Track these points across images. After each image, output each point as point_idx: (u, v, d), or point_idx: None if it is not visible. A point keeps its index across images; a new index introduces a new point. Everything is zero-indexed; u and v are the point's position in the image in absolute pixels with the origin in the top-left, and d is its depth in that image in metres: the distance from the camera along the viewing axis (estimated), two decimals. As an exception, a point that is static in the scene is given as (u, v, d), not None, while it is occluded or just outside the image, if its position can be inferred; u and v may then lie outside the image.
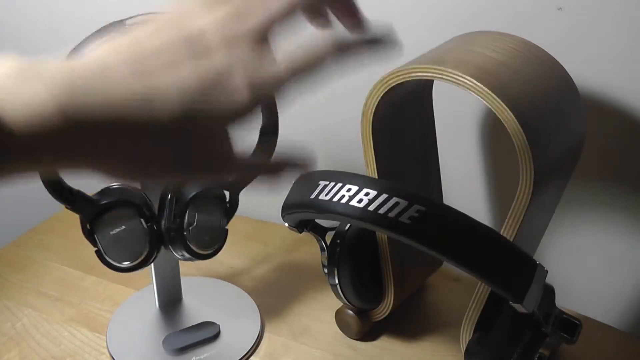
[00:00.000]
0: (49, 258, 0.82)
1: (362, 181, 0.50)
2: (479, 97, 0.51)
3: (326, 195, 0.51)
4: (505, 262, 0.48)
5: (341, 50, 0.36)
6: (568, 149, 0.59)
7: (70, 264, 0.81)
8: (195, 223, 0.63)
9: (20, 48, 1.03)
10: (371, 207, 0.48)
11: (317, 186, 0.52)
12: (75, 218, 0.60)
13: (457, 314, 0.63)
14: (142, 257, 0.61)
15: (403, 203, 0.47)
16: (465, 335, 0.60)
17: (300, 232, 0.64)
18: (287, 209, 0.58)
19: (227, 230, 0.65)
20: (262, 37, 0.34)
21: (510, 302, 0.48)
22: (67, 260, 0.82)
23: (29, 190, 0.93)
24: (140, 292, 0.76)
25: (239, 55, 0.33)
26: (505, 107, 0.50)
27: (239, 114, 0.33)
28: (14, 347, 0.68)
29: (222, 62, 0.33)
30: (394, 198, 0.47)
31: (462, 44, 0.59)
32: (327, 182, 0.51)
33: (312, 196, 0.52)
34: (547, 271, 0.49)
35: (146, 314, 0.72)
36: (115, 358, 0.67)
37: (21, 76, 0.30)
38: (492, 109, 0.51)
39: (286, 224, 0.62)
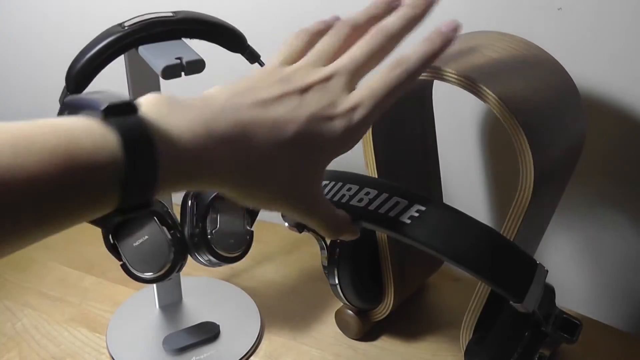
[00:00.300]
0: (49, 258, 0.82)
1: (362, 181, 0.50)
2: (479, 98, 0.51)
3: (326, 194, 0.51)
4: (505, 262, 0.48)
5: (413, 74, 0.44)
6: (568, 149, 0.58)
7: (70, 264, 0.81)
8: (218, 226, 0.62)
9: (21, 51, 1.03)
10: (371, 207, 0.48)
11: None
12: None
13: (457, 314, 0.63)
14: (168, 266, 0.60)
15: (403, 202, 0.47)
16: (465, 335, 0.60)
17: (300, 232, 0.63)
18: None
19: (252, 231, 0.64)
20: (350, 85, 0.43)
21: (511, 302, 0.48)
22: (68, 260, 0.82)
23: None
24: (140, 292, 0.76)
25: (331, 97, 0.42)
26: (505, 107, 0.50)
27: (338, 140, 0.42)
28: (14, 347, 0.68)
29: (321, 101, 0.42)
30: (395, 197, 0.47)
31: (462, 44, 0.59)
32: (328, 182, 0.51)
33: None
34: (547, 271, 0.49)
35: (146, 314, 0.72)
36: (115, 358, 0.67)
37: (174, 107, 0.37)
38: (492, 109, 0.51)
39: (286, 224, 0.62)
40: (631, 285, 0.74)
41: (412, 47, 0.45)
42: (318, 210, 0.45)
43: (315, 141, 0.41)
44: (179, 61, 0.52)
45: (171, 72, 0.52)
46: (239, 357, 0.67)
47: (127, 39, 0.54)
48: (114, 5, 0.87)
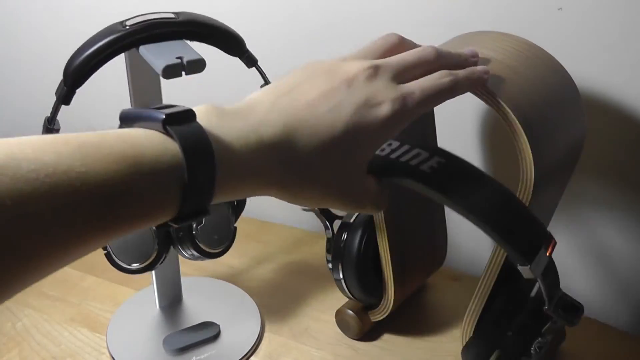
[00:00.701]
0: (49, 258, 0.82)
1: None
2: (479, 97, 0.51)
3: None
4: (518, 223, 0.48)
5: (458, 88, 0.47)
6: (568, 149, 0.59)
7: (70, 264, 0.81)
8: (203, 222, 0.62)
9: (21, 45, 1.03)
10: (393, 156, 0.48)
11: None
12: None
13: (457, 314, 0.63)
14: (152, 258, 0.61)
15: (424, 154, 0.47)
16: (466, 335, 0.60)
17: (312, 208, 0.64)
18: None
19: (235, 228, 0.65)
20: (397, 80, 0.44)
21: (518, 265, 0.48)
22: (67, 260, 0.82)
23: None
24: (141, 292, 0.76)
25: (378, 87, 0.43)
26: (506, 107, 0.50)
27: (386, 122, 0.42)
28: (15, 347, 0.68)
29: (368, 89, 0.42)
30: (416, 149, 0.47)
31: (462, 44, 0.59)
32: None
33: None
34: (556, 242, 0.49)
35: (146, 314, 0.72)
36: (115, 358, 0.67)
37: (223, 116, 0.38)
38: (493, 109, 0.51)
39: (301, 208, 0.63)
40: (631, 285, 0.75)
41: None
42: (367, 198, 0.45)
43: (362, 133, 0.42)
44: (179, 61, 0.52)
45: (172, 71, 0.52)
46: (239, 357, 0.67)
47: (128, 39, 0.54)
48: (116, 2, 0.87)
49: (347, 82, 0.42)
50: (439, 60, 0.47)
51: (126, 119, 0.38)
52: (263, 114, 0.40)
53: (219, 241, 0.64)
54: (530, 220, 0.48)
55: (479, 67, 0.49)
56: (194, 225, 0.62)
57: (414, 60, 0.46)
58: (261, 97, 0.41)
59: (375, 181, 0.46)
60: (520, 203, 0.49)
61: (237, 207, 0.66)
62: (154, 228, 0.60)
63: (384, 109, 0.42)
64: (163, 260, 0.63)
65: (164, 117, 0.35)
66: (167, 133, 0.35)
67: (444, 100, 0.46)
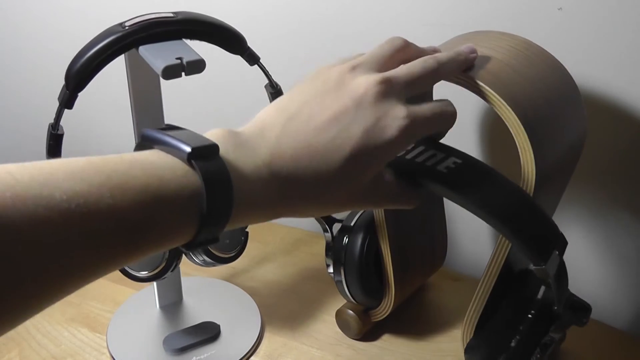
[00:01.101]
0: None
1: None
2: (480, 97, 0.51)
3: None
4: (533, 223, 0.48)
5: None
6: (569, 148, 0.58)
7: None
8: None
9: (20, 49, 1.03)
10: (409, 156, 0.48)
11: None
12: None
13: (457, 314, 0.63)
14: (163, 265, 0.61)
15: (440, 155, 0.48)
16: (466, 335, 0.60)
17: None
18: None
19: (247, 232, 0.65)
20: (406, 93, 0.44)
21: (532, 265, 0.48)
22: (67, 261, 0.82)
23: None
24: (141, 292, 0.76)
25: (387, 107, 0.43)
26: (507, 106, 0.50)
27: (393, 144, 0.43)
28: (15, 347, 0.68)
29: (376, 111, 0.42)
30: (432, 150, 0.48)
31: (462, 44, 0.59)
32: None
33: None
34: (567, 242, 0.49)
35: (146, 314, 0.72)
36: (115, 358, 0.67)
37: (239, 148, 0.39)
38: (494, 108, 0.51)
39: None
40: (631, 285, 0.74)
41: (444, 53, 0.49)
42: (384, 200, 0.46)
43: (372, 154, 0.42)
44: (179, 61, 0.52)
45: (171, 72, 0.52)
46: (239, 357, 0.67)
47: (128, 39, 0.54)
48: (115, 5, 0.87)
49: (356, 101, 0.42)
50: (443, 68, 0.48)
51: (149, 140, 0.39)
52: (274, 143, 0.40)
53: (231, 245, 0.64)
54: (545, 220, 0.49)
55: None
56: None
57: (419, 72, 0.46)
58: (271, 120, 0.42)
59: (395, 183, 0.47)
60: (535, 204, 0.49)
61: None
62: None
63: (393, 131, 0.42)
64: (174, 268, 0.62)
65: (190, 150, 0.36)
66: (190, 165, 0.37)
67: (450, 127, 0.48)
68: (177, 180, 0.36)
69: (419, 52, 0.49)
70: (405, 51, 0.48)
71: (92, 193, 0.33)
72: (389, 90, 0.43)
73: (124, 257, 0.35)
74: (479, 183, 0.47)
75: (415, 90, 0.45)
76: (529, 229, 0.47)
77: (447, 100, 0.47)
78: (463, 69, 0.51)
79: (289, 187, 0.41)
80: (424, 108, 0.45)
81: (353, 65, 0.45)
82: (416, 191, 0.48)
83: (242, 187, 0.38)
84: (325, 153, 0.41)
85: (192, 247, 0.38)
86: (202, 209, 0.36)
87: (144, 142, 0.39)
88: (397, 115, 0.43)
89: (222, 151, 0.38)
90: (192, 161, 0.36)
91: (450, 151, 0.48)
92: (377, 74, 0.44)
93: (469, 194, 0.47)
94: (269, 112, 0.43)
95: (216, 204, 0.37)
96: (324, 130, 0.41)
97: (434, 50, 0.51)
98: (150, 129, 0.39)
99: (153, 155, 0.37)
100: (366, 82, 0.43)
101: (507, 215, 0.47)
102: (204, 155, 0.37)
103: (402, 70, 0.45)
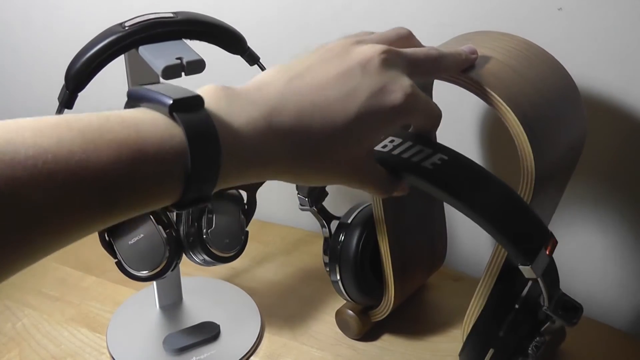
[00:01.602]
0: (50, 258, 0.81)
1: None
2: (480, 97, 0.51)
3: None
4: (520, 221, 0.48)
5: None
6: (569, 149, 0.58)
7: (70, 264, 0.81)
8: (214, 226, 0.62)
9: (20, 50, 1.03)
10: (395, 152, 0.48)
11: None
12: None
13: (457, 314, 0.63)
14: (163, 265, 0.61)
15: (427, 151, 0.47)
16: (465, 335, 0.60)
17: (310, 207, 0.64)
18: None
19: (247, 231, 0.65)
20: (409, 68, 0.44)
21: (519, 265, 0.48)
22: (68, 261, 0.82)
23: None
24: (141, 292, 0.76)
25: (393, 74, 0.43)
26: (507, 107, 0.50)
27: (397, 109, 0.42)
28: (15, 347, 0.68)
29: (382, 77, 0.42)
30: (419, 145, 0.47)
31: (462, 44, 0.59)
32: None
33: None
34: (557, 242, 0.49)
35: (146, 314, 0.72)
36: (115, 358, 0.67)
37: (233, 100, 0.38)
38: (494, 109, 0.51)
39: (298, 194, 0.63)
40: (631, 285, 0.75)
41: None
42: (371, 180, 0.45)
43: (374, 119, 0.41)
44: (179, 61, 0.52)
45: (171, 72, 0.52)
46: (239, 357, 0.67)
47: (128, 39, 0.54)
48: (115, 4, 0.87)
49: (362, 65, 0.42)
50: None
51: (133, 98, 0.37)
52: (275, 99, 0.39)
53: (230, 245, 0.64)
54: (532, 219, 0.48)
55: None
56: (205, 230, 0.61)
57: (422, 56, 0.46)
58: (273, 79, 0.40)
59: (386, 172, 0.46)
60: (522, 202, 0.49)
61: (248, 209, 0.65)
62: (164, 235, 0.60)
63: (399, 96, 0.42)
64: (174, 268, 0.62)
65: (172, 102, 0.34)
66: (173, 118, 0.35)
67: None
68: (158, 134, 0.34)
69: (421, 45, 0.49)
70: (409, 41, 0.48)
71: (61, 148, 0.31)
72: (396, 60, 0.43)
73: (103, 217, 0.33)
74: (465, 180, 0.47)
75: (417, 71, 0.45)
76: (514, 228, 0.47)
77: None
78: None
79: (290, 143, 0.39)
80: (422, 93, 0.45)
81: (358, 39, 0.44)
82: (403, 184, 0.48)
83: (233, 141, 0.36)
84: (330, 111, 0.40)
85: (181, 206, 0.36)
86: (187, 165, 0.34)
87: (130, 102, 0.37)
88: (403, 83, 0.42)
89: (213, 104, 0.36)
90: (174, 114, 0.34)
91: (438, 147, 0.47)
92: (382, 45, 0.44)
93: (453, 191, 0.47)
94: (269, 72, 0.41)
95: (202, 158, 0.34)
96: (330, 88, 0.40)
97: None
98: (137, 86, 0.38)
99: (136, 111, 0.35)
100: (372, 49, 0.43)
101: (491, 213, 0.47)
102: (187, 107, 0.35)
103: (407, 49, 0.45)
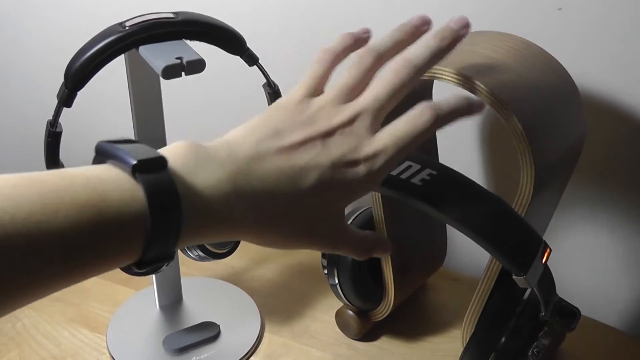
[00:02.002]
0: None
1: None
2: (480, 97, 0.51)
3: None
4: (512, 233, 0.48)
5: (441, 123, 0.43)
6: (568, 149, 0.59)
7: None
8: None
9: (20, 48, 1.03)
10: None
11: None
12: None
13: (457, 314, 0.63)
14: None
15: (415, 166, 0.47)
16: (466, 335, 0.60)
17: None
18: None
19: None
20: (374, 126, 0.43)
21: (513, 275, 0.48)
22: (67, 261, 0.82)
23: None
24: (141, 292, 0.76)
25: (355, 141, 0.42)
26: (506, 107, 0.50)
27: (358, 185, 0.42)
28: (15, 347, 0.68)
29: (344, 146, 0.42)
30: (407, 161, 0.47)
31: (462, 44, 0.59)
32: None
33: None
34: (551, 250, 0.49)
35: (146, 314, 0.72)
36: (115, 358, 0.67)
37: (200, 160, 0.38)
38: (493, 109, 0.51)
39: None
40: (631, 285, 0.75)
41: (421, 43, 0.45)
42: (342, 242, 0.45)
43: (338, 187, 0.41)
44: (179, 61, 0.52)
45: (171, 72, 0.52)
46: (239, 357, 0.67)
47: (128, 40, 0.54)
48: (115, 4, 0.87)
49: (325, 135, 0.42)
50: (418, 70, 0.45)
51: (101, 153, 0.37)
52: (243, 163, 0.39)
53: (225, 241, 0.64)
54: (525, 230, 0.48)
55: (467, 99, 0.45)
56: None
57: (388, 92, 0.44)
58: (241, 140, 0.41)
59: (358, 233, 0.46)
60: (513, 213, 0.49)
61: None
62: None
63: (359, 171, 0.41)
64: (169, 262, 0.62)
65: (135, 163, 0.34)
66: (135, 179, 0.35)
67: (425, 139, 0.44)
68: (120, 197, 0.34)
69: (381, 56, 0.45)
70: (378, 64, 0.45)
71: (20, 210, 0.31)
72: (357, 123, 0.42)
73: (64, 277, 0.33)
74: (455, 195, 0.47)
75: (390, 108, 0.44)
76: (506, 240, 0.47)
77: (423, 106, 0.44)
78: (445, 53, 0.46)
79: (252, 206, 0.39)
80: (389, 139, 0.42)
81: (322, 103, 0.43)
82: (385, 241, 0.48)
83: (197, 203, 0.36)
84: (294, 177, 0.40)
85: (142, 265, 0.36)
86: (147, 226, 0.34)
87: (98, 156, 0.37)
88: (363, 153, 0.42)
89: (179, 163, 0.37)
90: (137, 175, 0.34)
91: (426, 162, 0.47)
92: (346, 107, 0.43)
93: (442, 207, 0.47)
94: (240, 131, 0.42)
95: (162, 221, 0.34)
96: (295, 154, 0.40)
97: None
98: (106, 140, 0.37)
99: (102, 170, 0.35)
100: (336, 117, 0.42)
101: (482, 227, 0.47)
102: (150, 168, 0.35)
103: (369, 98, 0.43)
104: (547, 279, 0.50)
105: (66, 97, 0.55)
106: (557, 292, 0.54)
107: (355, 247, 0.46)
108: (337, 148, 0.41)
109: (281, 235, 0.42)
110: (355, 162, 0.41)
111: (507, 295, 0.56)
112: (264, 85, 0.63)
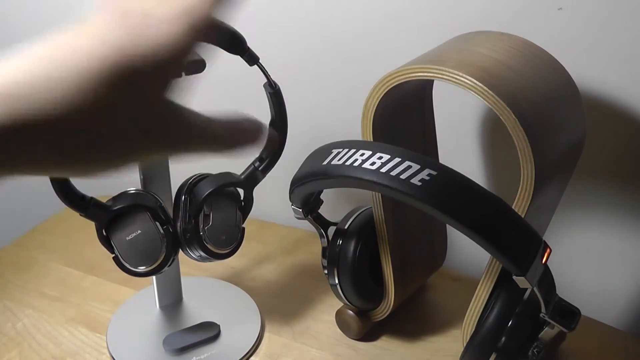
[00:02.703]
0: (50, 258, 0.82)
1: (375, 146, 0.50)
2: (480, 97, 0.51)
3: (339, 160, 0.51)
4: (512, 233, 0.48)
5: None
6: (568, 149, 0.59)
7: (70, 264, 0.81)
8: (210, 223, 0.62)
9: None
10: (383, 170, 0.47)
11: (330, 154, 0.53)
12: (75, 218, 0.60)
13: (457, 314, 0.63)
14: (160, 260, 0.61)
15: (415, 166, 0.47)
16: (466, 336, 0.60)
17: (306, 217, 0.64)
18: (298, 180, 0.57)
19: (243, 228, 0.65)
20: None
21: (513, 275, 0.48)
22: (68, 261, 0.82)
23: (29, 190, 0.93)
24: (141, 292, 0.76)
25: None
26: (506, 107, 0.50)
27: (174, 49, 0.29)
28: (15, 347, 0.68)
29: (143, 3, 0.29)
30: (407, 162, 0.47)
31: (462, 44, 0.59)
32: (341, 149, 0.51)
33: (325, 162, 0.53)
34: (551, 250, 0.49)
35: (146, 314, 0.72)
36: (115, 358, 0.67)
37: None
38: (493, 109, 0.51)
39: (292, 205, 0.62)
40: (631, 285, 0.75)
41: None
42: (196, 135, 0.34)
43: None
44: (179, 61, 0.52)
45: (171, 72, 0.52)
46: (239, 357, 0.67)
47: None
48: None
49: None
50: None
51: None
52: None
53: (227, 242, 0.64)
54: (524, 230, 0.48)
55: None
56: (202, 226, 0.62)
57: None
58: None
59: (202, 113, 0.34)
60: (513, 213, 0.49)
61: (245, 206, 0.65)
62: (161, 231, 0.61)
63: (168, 29, 0.30)
64: (171, 263, 0.62)
65: None
66: None
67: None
68: None
69: None
70: None
71: None
72: None
73: None
74: (453, 195, 0.47)
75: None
76: (506, 241, 0.47)
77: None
78: None
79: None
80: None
81: None
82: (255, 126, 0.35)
83: None
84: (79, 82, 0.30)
85: None
86: None
87: None
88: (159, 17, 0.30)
89: None
90: None
91: (425, 162, 0.47)
92: None
93: (442, 207, 0.47)
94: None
95: None
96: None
97: None
98: None
99: None
100: None
101: (482, 228, 0.47)
102: None
103: None
104: (547, 279, 0.50)
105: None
106: (557, 292, 0.54)
107: (217, 141, 0.35)
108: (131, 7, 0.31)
109: (83, 157, 0.31)
110: (160, 11, 0.31)
111: (507, 295, 0.56)
112: (264, 85, 0.63)
